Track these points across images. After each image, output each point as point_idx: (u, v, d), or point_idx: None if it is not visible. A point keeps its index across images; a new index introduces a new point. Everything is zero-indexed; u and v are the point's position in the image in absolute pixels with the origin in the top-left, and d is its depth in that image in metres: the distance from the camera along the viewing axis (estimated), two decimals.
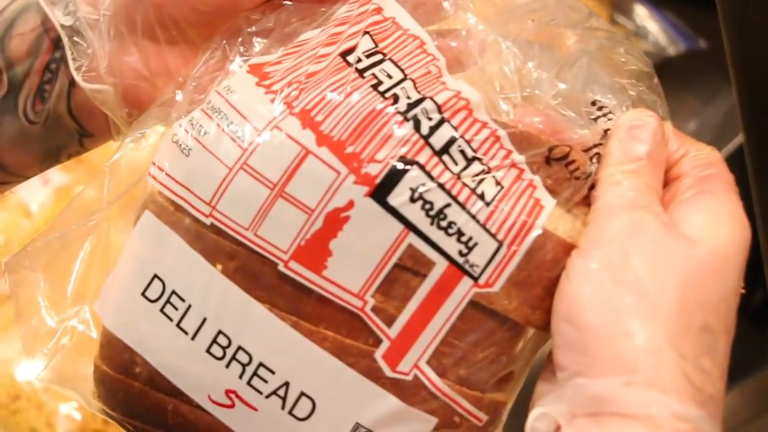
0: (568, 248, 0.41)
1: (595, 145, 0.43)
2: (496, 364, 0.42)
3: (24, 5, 0.47)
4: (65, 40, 0.46)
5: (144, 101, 0.48)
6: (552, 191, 0.42)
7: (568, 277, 0.40)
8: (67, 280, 0.46)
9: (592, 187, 0.43)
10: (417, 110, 0.41)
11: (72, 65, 0.46)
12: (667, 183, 0.43)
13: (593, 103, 0.44)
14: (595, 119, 0.44)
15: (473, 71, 0.45)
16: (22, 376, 0.86)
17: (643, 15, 1.19)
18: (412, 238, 0.40)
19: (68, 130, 0.48)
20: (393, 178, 0.40)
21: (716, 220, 0.40)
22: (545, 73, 0.45)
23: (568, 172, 0.42)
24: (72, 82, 0.47)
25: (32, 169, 0.51)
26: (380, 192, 0.40)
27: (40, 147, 0.49)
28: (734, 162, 0.50)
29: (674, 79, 1.08)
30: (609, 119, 0.44)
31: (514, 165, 0.41)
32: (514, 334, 0.42)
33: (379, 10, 0.44)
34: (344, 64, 0.42)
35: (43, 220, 0.98)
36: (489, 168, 0.41)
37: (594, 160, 0.43)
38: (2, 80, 0.47)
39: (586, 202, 0.42)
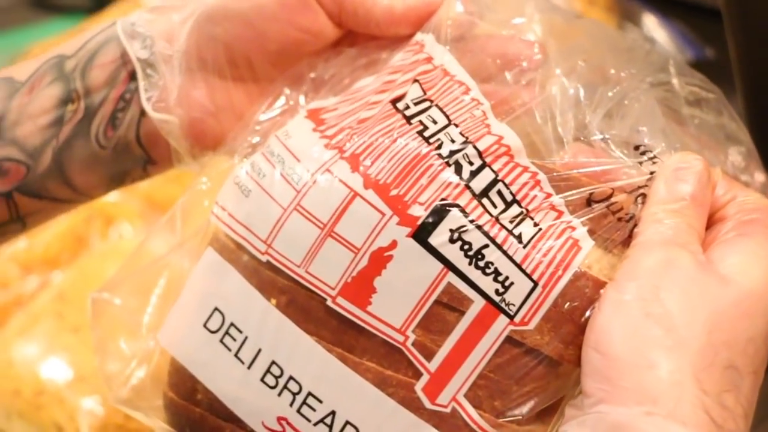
0: (602, 287, 0.42)
1: (640, 187, 0.44)
2: (534, 398, 0.43)
3: (107, 37, 0.51)
4: (140, 73, 0.50)
5: (207, 134, 0.51)
6: (592, 232, 0.43)
7: (600, 307, 0.41)
8: (143, 311, 0.49)
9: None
10: (459, 155, 0.43)
11: (144, 96, 0.50)
12: (711, 225, 0.44)
13: (637, 148, 0.46)
14: (641, 163, 0.45)
15: (527, 111, 0.47)
16: (47, 374, 0.89)
17: (651, 24, 1.18)
18: (451, 277, 0.42)
19: (135, 156, 0.52)
20: (434, 219, 0.42)
21: (752, 262, 0.41)
22: (598, 111, 0.47)
23: (611, 213, 0.44)
24: (142, 112, 0.50)
25: (98, 190, 0.54)
26: (422, 233, 0.42)
27: (108, 170, 0.52)
28: None
29: None
30: (654, 163, 0.45)
31: (552, 207, 0.43)
32: (550, 368, 0.43)
33: (429, 59, 0.47)
34: (393, 110, 0.45)
35: None
36: (527, 210, 0.43)
37: (639, 201, 0.44)
38: (80, 106, 0.51)
39: (629, 242, 0.44)
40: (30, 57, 1.25)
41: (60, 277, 1.03)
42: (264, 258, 0.44)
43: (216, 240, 0.47)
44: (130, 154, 0.52)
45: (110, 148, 0.51)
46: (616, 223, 0.44)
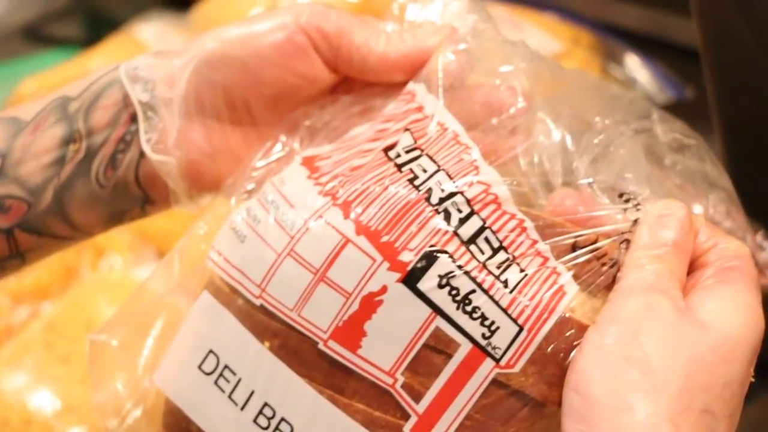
0: (586, 330, 0.43)
1: (625, 233, 0.46)
2: None
3: (110, 80, 0.53)
4: (140, 115, 0.51)
5: (204, 176, 0.53)
6: (577, 277, 0.45)
7: (582, 350, 0.42)
8: (140, 353, 0.50)
9: None
10: (448, 203, 0.44)
11: (143, 137, 0.51)
12: (692, 271, 0.46)
13: (621, 195, 0.47)
14: (625, 210, 0.47)
15: (513, 157, 0.48)
16: (35, 403, 0.90)
17: (633, 64, 1.20)
18: (440, 321, 0.43)
19: (133, 196, 0.53)
20: (423, 265, 0.43)
21: (730, 309, 0.42)
22: (584, 158, 0.48)
23: (595, 258, 0.45)
24: (142, 153, 0.51)
25: (97, 228, 0.55)
26: (411, 278, 0.43)
27: (107, 209, 0.53)
28: None
29: None
30: (638, 209, 0.47)
31: (538, 253, 0.44)
32: (535, 410, 0.44)
33: (420, 108, 0.48)
34: (385, 159, 0.46)
35: None
36: (514, 256, 0.44)
37: (623, 246, 0.46)
38: (81, 147, 0.52)
39: (613, 286, 0.45)
40: (24, 89, 1.29)
41: (50, 307, 1.04)
42: (258, 302, 0.45)
43: (212, 283, 0.48)
44: (129, 193, 0.53)
45: (110, 188, 0.53)
46: (600, 268, 0.45)
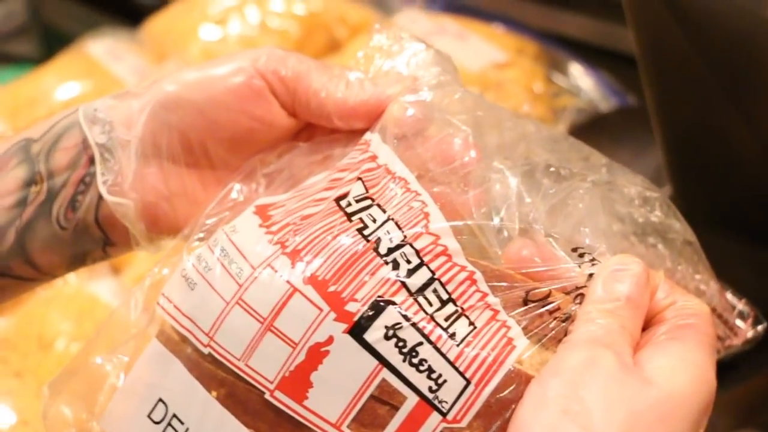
0: None
1: (579, 287, 0.45)
2: None
3: (71, 122, 0.53)
4: (97, 157, 0.52)
5: (161, 218, 0.53)
6: (527, 330, 0.44)
7: (523, 402, 0.41)
8: (94, 404, 0.50)
9: None
10: (397, 254, 0.44)
11: (100, 179, 0.51)
12: (648, 327, 0.45)
13: (574, 249, 0.47)
14: (580, 265, 0.46)
15: (465, 205, 0.48)
16: None
17: (577, 73, 1.21)
18: (386, 373, 0.42)
19: (94, 237, 0.53)
20: (370, 316, 0.43)
21: (678, 366, 0.42)
22: (542, 208, 0.48)
23: (547, 313, 0.45)
24: (101, 196, 0.52)
25: (60, 270, 0.56)
26: (357, 329, 0.43)
27: (69, 251, 0.54)
28: None
29: (607, 135, 1.11)
30: (594, 264, 0.46)
31: (488, 306, 0.44)
32: None
33: (374, 157, 0.48)
34: (337, 208, 0.46)
35: None
36: (463, 309, 0.44)
37: (577, 301, 0.45)
38: (42, 188, 0.52)
39: None
40: None
41: (3, 323, 1.06)
42: (206, 350, 0.45)
43: (162, 332, 0.48)
44: (90, 235, 0.53)
45: (71, 230, 0.53)
46: (552, 322, 0.45)
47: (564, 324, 0.45)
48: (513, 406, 0.42)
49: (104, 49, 1.41)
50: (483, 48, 1.16)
